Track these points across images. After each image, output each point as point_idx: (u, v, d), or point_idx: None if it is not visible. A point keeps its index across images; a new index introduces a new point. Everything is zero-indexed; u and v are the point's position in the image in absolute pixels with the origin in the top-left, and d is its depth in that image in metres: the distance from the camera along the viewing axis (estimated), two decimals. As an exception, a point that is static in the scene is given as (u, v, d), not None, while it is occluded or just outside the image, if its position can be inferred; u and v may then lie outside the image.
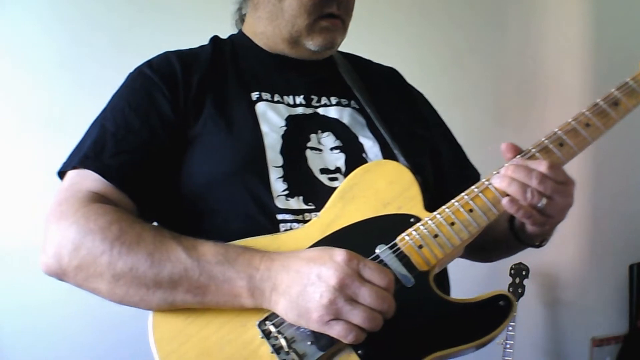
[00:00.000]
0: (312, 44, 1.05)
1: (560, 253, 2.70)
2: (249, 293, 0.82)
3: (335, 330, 0.79)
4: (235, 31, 1.18)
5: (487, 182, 0.91)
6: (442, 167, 1.15)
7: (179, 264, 0.82)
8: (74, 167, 0.95)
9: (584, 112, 0.95)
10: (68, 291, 1.96)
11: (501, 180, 0.88)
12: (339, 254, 0.80)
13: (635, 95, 0.97)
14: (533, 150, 0.93)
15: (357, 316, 0.78)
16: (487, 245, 1.07)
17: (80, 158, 0.94)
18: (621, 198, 2.72)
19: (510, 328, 2.25)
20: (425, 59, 2.41)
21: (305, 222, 0.93)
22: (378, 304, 0.79)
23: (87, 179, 0.92)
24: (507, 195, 0.88)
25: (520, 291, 2.32)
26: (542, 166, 0.88)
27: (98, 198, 0.90)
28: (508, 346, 2.22)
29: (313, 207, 0.95)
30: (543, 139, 0.94)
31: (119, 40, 2.00)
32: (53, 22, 1.98)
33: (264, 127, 0.99)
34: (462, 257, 1.03)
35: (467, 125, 2.64)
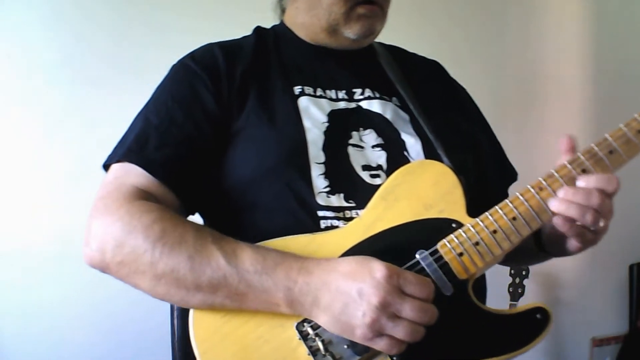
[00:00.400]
0: (350, 32, 1.04)
1: (560, 253, 2.70)
2: (287, 304, 0.82)
3: (379, 346, 0.79)
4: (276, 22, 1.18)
5: (532, 190, 0.88)
6: (482, 164, 1.13)
7: (218, 271, 0.82)
8: (118, 161, 0.95)
9: (636, 116, 0.90)
10: (68, 292, 1.96)
11: (559, 204, 0.85)
12: (379, 270, 0.79)
13: None
14: (582, 157, 0.88)
15: (400, 332, 0.78)
16: (515, 254, 1.06)
17: (124, 152, 0.95)
18: (621, 198, 2.71)
19: (511, 328, 2.24)
20: (425, 59, 2.41)
21: (346, 219, 0.92)
22: (420, 317, 0.79)
23: (131, 173, 0.92)
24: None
25: (520, 291, 2.32)
26: (602, 182, 0.86)
27: (141, 194, 0.90)
28: (508, 346, 2.22)
29: (354, 204, 0.94)
30: (593, 145, 0.89)
31: (119, 40, 2.00)
32: (53, 21, 1.98)
33: (306, 123, 0.98)
34: None
35: (467, 125, 2.64)
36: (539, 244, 1.02)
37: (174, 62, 1.07)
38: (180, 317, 1.16)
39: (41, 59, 1.95)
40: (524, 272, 2.33)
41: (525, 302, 2.33)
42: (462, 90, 1.24)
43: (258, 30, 1.13)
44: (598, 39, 2.69)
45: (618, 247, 2.73)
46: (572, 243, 0.92)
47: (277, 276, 0.82)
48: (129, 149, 0.94)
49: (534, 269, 2.38)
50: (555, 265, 2.67)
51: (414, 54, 1.24)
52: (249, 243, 0.86)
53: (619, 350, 2.70)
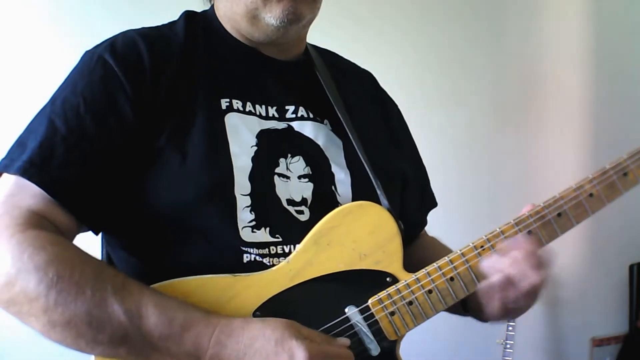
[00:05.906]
0: (271, 16, 0.90)
1: (560, 253, 2.69)
2: None
3: None
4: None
5: (475, 250, 0.86)
6: (406, 191, 1.07)
7: (120, 329, 0.76)
8: (15, 172, 0.81)
9: (590, 176, 0.92)
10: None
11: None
12: (300, 356, 0.75)
13: None
14: (530, 219, 0.89)
15: None
16: None
17: (23, 164, 0.81)
18: (621, 198, 2.71)
19: (510, 328, 2.24)
20: (425, 59, 2.41)
21: (271, 255, 0.86)
22: None
23: (27, 193, 0.80)
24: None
25: (520, 291, 2.31)
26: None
27: (37, 220, 0.80)
28: (508, 346, 2.22)
29: (280, 239, 0.88)
30: (542, 204, 0.89)
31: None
32: (52, 20, 1.98)
33: (234, 148, 0.89)
34: None
35: (467, 125, 2.64)
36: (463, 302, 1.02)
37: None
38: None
39: (39, 59, 1.95)
40: (524, 272, 2.33)
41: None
42: (393, 107, 1.15)
43: (187, 18, 0.99)
44: (598, 39, 2.69)
45: (618, 247, 2.73)
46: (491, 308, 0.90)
47: (185, 344, 0.77)
48: (30, 162, 0.80)
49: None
50: (555, 265, 2.67)
51: (348, 62, 1.14)
52: (154, 294, 0.79)
53: (619, 350, 2.70)
